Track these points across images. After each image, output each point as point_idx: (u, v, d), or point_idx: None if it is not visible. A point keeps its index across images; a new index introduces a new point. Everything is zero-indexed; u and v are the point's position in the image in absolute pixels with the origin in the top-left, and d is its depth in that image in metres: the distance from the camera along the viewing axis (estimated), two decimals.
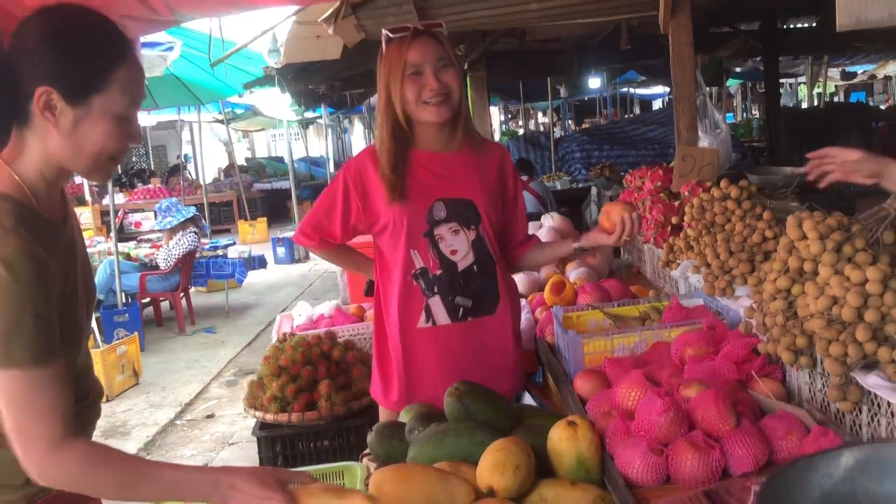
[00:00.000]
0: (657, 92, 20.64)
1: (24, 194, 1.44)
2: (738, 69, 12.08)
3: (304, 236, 2.34)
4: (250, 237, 13.89)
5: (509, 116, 25.18)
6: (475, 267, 2.21)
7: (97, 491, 1.45)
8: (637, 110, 21.94)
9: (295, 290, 9.53)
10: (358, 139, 24.73)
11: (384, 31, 2.12)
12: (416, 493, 1.52)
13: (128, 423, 5.39)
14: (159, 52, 6.86)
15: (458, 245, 2.19)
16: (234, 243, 8.95)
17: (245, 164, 21.21)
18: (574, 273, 3.26)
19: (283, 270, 10.95)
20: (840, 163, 2.07)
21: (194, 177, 16.44)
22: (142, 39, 5.15)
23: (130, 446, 4.93)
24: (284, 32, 4.78)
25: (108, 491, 1.42)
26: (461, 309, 2.20)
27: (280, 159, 21.42)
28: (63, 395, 1.38)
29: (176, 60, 7.37)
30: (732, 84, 18.96)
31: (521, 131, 18.39)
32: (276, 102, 10.73)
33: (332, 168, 14.51)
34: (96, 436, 1.69)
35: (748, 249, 2.26)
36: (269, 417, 2.95)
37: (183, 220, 7.81)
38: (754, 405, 1.69)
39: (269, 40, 5.79)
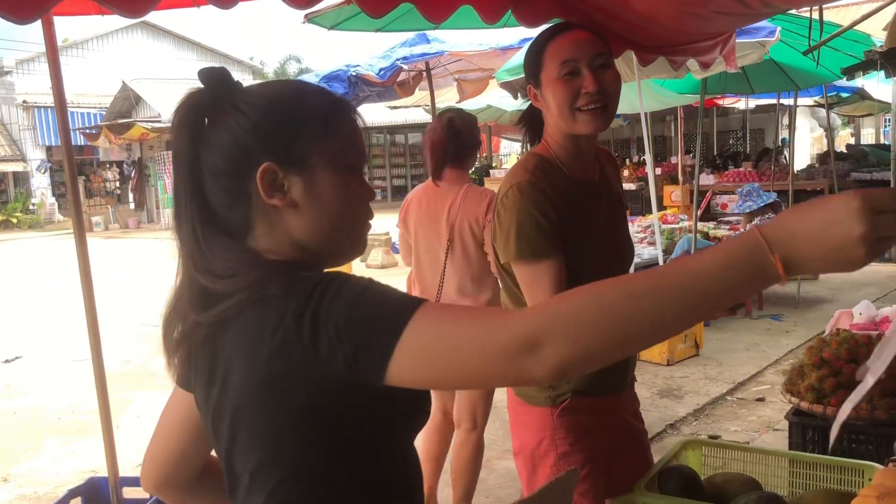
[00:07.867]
0: None
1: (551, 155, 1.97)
2: None
3: None
4: None
5: None
6: None
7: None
8: None
9: (877, 290, 8.78)
10: None
11: None
12: None
13: (683, 388, 5.82)
14: (759, 39, 6.97)
15: None
16: None
17: (845, 151, 19.82)
18: None
19: (870, 269, 10.11)
20: None
21: (787, 162, 16.05)
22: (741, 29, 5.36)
23: (682, 409, 5.35)
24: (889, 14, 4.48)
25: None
26: None
27: (886, 147, 19.39)
28: (556, 284, 1.81)
29: (774, 45, 7.37)
30: None
31: None
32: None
33: None
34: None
35: None
36: (804, 405, 2.97)
37: (762, 205, 7.88)
38: None
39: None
